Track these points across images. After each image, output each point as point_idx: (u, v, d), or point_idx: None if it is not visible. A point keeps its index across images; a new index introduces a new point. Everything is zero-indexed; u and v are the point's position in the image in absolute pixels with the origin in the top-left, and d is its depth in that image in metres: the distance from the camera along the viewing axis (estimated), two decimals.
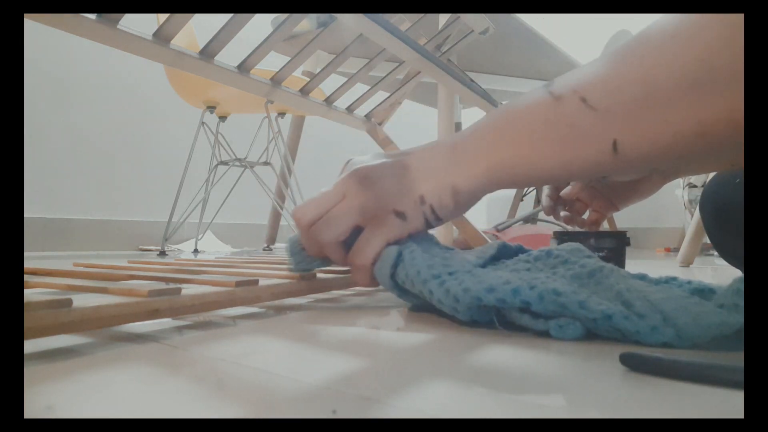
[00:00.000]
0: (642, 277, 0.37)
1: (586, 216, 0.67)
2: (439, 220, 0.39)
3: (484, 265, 0.39)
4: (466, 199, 0.38)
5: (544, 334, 0.32)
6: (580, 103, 0.32)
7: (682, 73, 0.29)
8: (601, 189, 0.64)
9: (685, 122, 0.29)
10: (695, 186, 1.95)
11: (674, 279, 0.36)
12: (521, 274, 0.35)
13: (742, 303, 0.28)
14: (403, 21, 0.75)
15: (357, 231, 0.39)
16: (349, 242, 0.40)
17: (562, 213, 0.66)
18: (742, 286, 0.29)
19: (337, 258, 0.40)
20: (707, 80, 0.28)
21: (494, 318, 0.33)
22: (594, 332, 0.30)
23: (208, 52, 0.49)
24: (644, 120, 0.30)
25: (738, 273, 0.72)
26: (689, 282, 0.35)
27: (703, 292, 0.33)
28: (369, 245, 0.39)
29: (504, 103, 0.38)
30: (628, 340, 0.29)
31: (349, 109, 0.77)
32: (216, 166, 1.57)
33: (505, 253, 0.43)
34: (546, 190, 0.66)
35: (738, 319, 0.27)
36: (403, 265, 0.37)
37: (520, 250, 0.43)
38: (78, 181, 1.74)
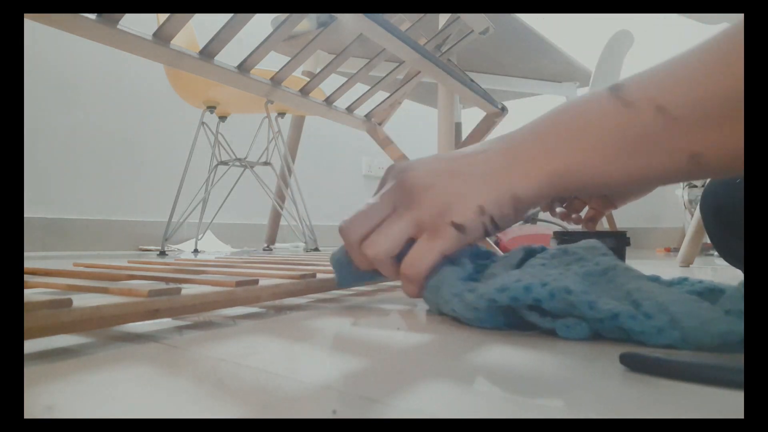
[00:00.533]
0: (655, 279, 0.36)
1: (583, 214, 0.67)
2: (497, 230, 0.37)
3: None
4: (527, 207, 0.36)
5: (545, 334, 0.32)
6: (656, 112, 0.30)
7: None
8: None
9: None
10: (695, 186, 1.95)
11: (685, 279, 0.36)
12: (535, 270, 0.35)
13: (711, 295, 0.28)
14: (403, 21, 0.75)
15: (409, 242, 0.38)
16: (400, 253, 0.38)
17: (558, 209, 0.66)
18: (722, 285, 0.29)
19: (390, 272, 0.39)
20: None
21: (502, 320, 0.33)
22: (599, 333, 0.30)
23: (208, 52, 0.50)
24: (725, 131, 0.28)
25: (739, 273, 0.72)
26: (701, 281, 0.35)
27: (714, 292, 0.33)
28: (424, 258, 0.37)
29: (561, 104, 0.37)
30: (632, 341, 0.29)
31: (349, 109, 0.77)
32: (216, 166, 1.57)
33: (531, 256, 0.42)
34: None
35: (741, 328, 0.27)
36: (437, 283, 0.37)
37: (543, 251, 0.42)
38: (78, 181, 1.74)
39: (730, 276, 0.86)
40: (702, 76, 0.29)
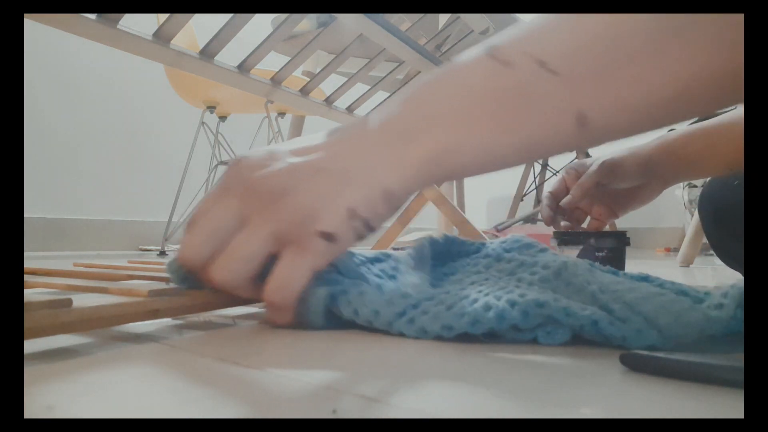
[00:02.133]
0: (614, 272, 0.35)
1: (585, 225, 0.67)
2: (371, 233, 0.31)
3: (433, 281, 0.37)
4: (402, 201, 0.31)
5: None
6: (537, 68, 0.27)
7: (653, 24, 0.25)
8: (600, 196, 0.64)
9: (659, 82, 0.26)
10: (695, 186, 1.95)
11: (647, 277, 0.35)
12: (487, 288, 0.32)
13: (726, 302, 0.28)
14: (403, 21, 0.75)
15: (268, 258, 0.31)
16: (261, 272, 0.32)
17: (563, 223, 0.66)
18: (731, 290, 0.28)
19: (250, 295, 0.32)
20: (684, 30, 0.24)
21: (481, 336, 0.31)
22: (581, 335, 0.30)
23: (208, 52, 0.50)
24: (612, 83, 0.26)
25: (737, 274, 0.72)
26: (672, 283, 0.34)
27: (686, 293, 0.32)
28: (293, 279, 0.30)
29: (429, 73, 0.32)
30: (611, 345, 0.28)
31: (349, 109, 0.77)
32: (216, 166, 1.57)
33: (438, 251, 0.40)
34: (545, 200, 0.66)
35: (720, 315, 0.27)
36: (347, 302, 0.32)
37: (453, 245, 0.41)
38: (78, 181, 1.74)
39: (729, 276, 0.86)
40: (579, 24, 0.27)
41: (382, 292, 0.33)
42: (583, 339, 0.31)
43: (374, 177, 0.30)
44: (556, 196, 0.65)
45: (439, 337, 0.30)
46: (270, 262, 0.31)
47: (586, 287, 0.31)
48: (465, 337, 0.31)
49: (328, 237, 0.30)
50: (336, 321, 0.33)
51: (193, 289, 0.34)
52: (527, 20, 0.30)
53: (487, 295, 0.31)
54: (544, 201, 0.66)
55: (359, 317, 0.32)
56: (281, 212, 0.30)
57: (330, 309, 0.32)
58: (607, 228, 0.66)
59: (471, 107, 0.29)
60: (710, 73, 0.25)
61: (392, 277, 0.38)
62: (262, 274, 0.31)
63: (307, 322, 0.32)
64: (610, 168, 0.60)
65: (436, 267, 0.40)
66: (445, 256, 0.41)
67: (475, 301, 0.30)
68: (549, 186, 0.66)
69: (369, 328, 0.32)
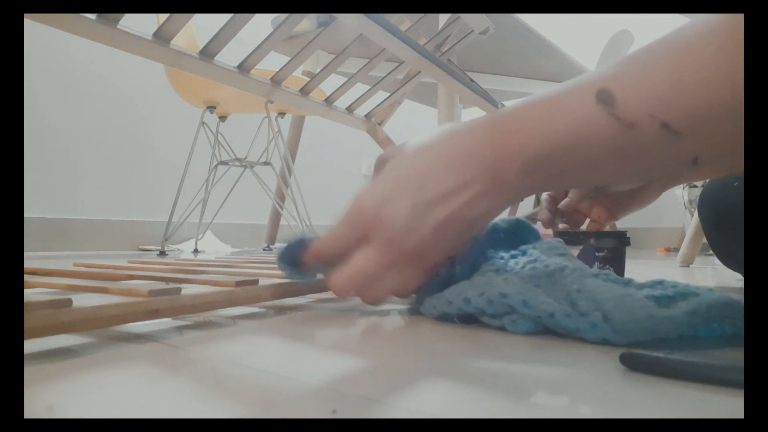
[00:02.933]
0: (627, 283, 0.36)
1: (584, 227, 0.67)
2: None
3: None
4: (515, 196, 0.35)
5: (546, 334, 0.32)
6: (660, 130, 0.28)
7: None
8: (599, 198, 0.64)
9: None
10: (695, 186, 1.95)
11: (660, 282, 0.35)
12: (485, 277, 0.36)
13: (678, 299, 0.31)
14: (403, 21, 0.75)
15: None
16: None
17: (561, 225, 0.66)
18: (698, 289, 0.31)
19: (344, 293, 0.37)
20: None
21: (456, 318, 0.36)
22: (546, 327, 0.32)
23: (208, 52, 0.49)
24: (732, 136, 0.27)
25: (737, 275, 0.72)
26: (674, 285, 0.34)
27: (686, 296, 0.33)
28: (405, 286, 0.37)
29: (519, 104, 0.34)
30: (572, 337, 0.31)
31: (349, 109, 0.77)
32: (216, 166, 1.57)
33: (492, 245, 0.43)
34: (544, 202, 0.66)
35: (665, 314, 0.29)
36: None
37: (509, 234, 0.44)
38: (78, 181, 1.74)
39: (729, 276, 0.86)
40: (703, 86, 0.27)
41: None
42: (579, 339, 0.31)
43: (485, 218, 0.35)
44: (555, 199, 0.65)
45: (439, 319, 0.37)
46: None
47: (568, 286, 0.33)
48: (465, 338, 0.31)
49: (452, 261, 0.38)
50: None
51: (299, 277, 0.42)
52: (639, 59, 0.30)
53: (473, 288, 0.35)
54: (543, 203, 0.66)
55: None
56: (423, 260, 0.35)
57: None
58: (607, 228, 0.66)
59: (589, 166, 0.31)
60: None
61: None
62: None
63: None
64: None
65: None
66: (507, 240, 0.44)
67: (460, 294, 0.35)
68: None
69: (369, 327, 0.32)
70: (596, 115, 0.29)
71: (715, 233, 0.68)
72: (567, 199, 0.63)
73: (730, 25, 0.27)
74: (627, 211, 0.64)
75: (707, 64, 0.27)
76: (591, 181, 0.33)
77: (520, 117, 0.33)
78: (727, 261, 0.69)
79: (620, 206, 0.64)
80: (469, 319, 0.35)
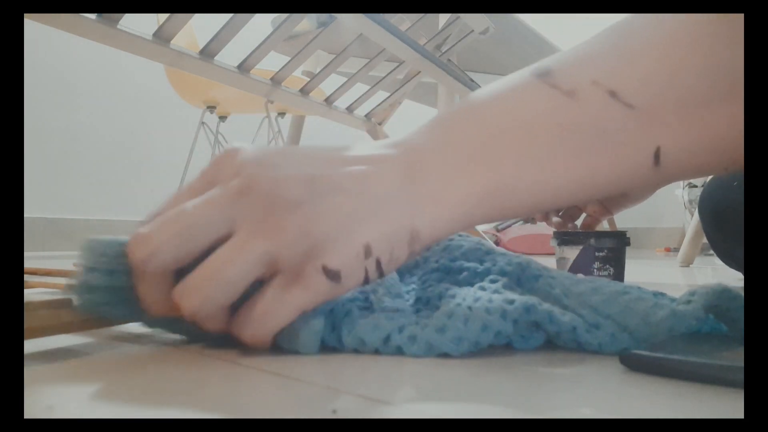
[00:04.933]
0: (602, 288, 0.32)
1: (580, 223, 0.67)
2: (380, 276, 0.26)
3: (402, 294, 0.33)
4: (424, 248, 0.27)
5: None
6: (608, 100, 0.24)
7: (716, 73, 0.24)
8: None
9: (722, 124, 0.24)
10: (695, 186, 1.95)
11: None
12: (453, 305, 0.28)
13: (693, 298, 0.27)
14: (403, 21, 0.75)
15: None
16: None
17: (554, 218, 0.66)
18: (699, 289, 0.28)
19: (217, 327, 0.25)
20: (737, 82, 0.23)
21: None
22: (554, 342, 0.28)
23: (208, 52, 0.50)
24: (700, 120, 0.24)
25: (737, 274, 0.72)
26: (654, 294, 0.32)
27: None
28: (273, 315, 0.24)
29: (468, 99, 0.28)
30: (584, 350, 0.27)
31: (349, 109, 0.77)
32: None
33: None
34: None
35: (687, 309, 0.26)
36: (350, 330, 0.27)
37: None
38: (78, 181, 1.74)
39: (730, 276, 0.86)
40: (659, 50, 0.24)
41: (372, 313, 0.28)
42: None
43: (405, 214, 0.25)
44: None
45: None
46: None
47: (550, 292, 0.30)
48: None
49: (332, 275, 0.24)
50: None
51: (112, 306, 0.25)
52: (583, 43, 0.27)
53: (458, 319, 0.26)
54: None
55: (366, 346, 0.27)
56: (284, 232, 0.24)
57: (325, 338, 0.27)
58: (606, 227, 0.66)
59: (528, 143, 0.26)
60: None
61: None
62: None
63: (294, 349, 0.26)
64: None
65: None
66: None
67: (477, 324, 0.26)
68: None
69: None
70: (533, 89, 0.26)
71: (716, 233, 0.68)
72: None
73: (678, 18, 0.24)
74: (621, 206, 0.65)
75: (665, 28, 0.24)
76: (538, 191, 0.26)
77: (459, 116, 0.28)
78: (728, 261, 0.69)
79: (615, 202, 0.64)
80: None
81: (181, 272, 0.25)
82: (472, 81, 0.77)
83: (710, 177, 0.71)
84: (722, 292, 0.27)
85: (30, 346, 0.27)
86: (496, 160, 0.26)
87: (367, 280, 0.26)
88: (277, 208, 0.24)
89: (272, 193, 0.24)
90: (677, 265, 1.23)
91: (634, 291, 0.29)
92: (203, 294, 0.24)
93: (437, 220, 0.26)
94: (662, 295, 0.30)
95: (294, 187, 0.24)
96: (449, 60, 0.83)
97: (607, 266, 0.60)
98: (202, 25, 1.41)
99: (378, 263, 0.25)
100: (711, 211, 0.68)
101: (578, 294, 0.29)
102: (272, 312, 0.24)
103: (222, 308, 0.25)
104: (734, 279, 0.80)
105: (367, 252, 0.25)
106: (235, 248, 0.24)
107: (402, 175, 0.26)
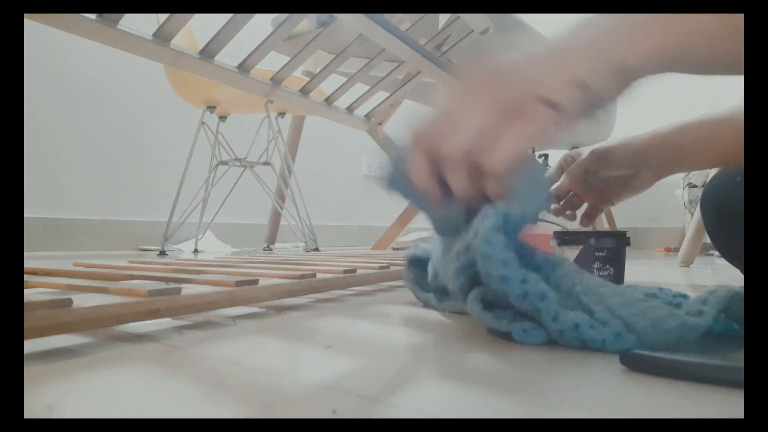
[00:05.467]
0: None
1: (580, 219, 0.67)
2: (598, 106, 0.30)
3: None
4: (632, 80, 0.31)
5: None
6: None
7: None
8: (594, 184, 0.65)
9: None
10: (695, 186, 1.95)
11: (660, 290, 0.33)
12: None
13: (705, 308, 0.27)
14: (403, 21, 0.75)
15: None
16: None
17: (553, 206, 0.66)
18: (710, 296, 0.28)
19: (458, 177, 0.31)
20: None
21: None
22: (556, 341, 0.29)
23: (208, 52, 0.50)
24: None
25: (739, 273, 0.72)
26: (674, 296, 0.32)
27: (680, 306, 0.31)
28: (505, 141, 0.29)
29: None
30: (588, 348, 0.28)
31: (349, 109, 0.77)
32: (216, 166, 1.57)
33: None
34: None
35: (699, 322, 0.27)
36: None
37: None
38: (78, 181, 1.74)
39: (730, 276, 0.86)
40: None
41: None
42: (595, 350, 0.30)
43: (608, 48, 0.30)
44: (551, 183, 0.66)
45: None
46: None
47: (573, 288, 0.31)
48: (465, 338, 0.31)
49: (549, 104, 0.29)
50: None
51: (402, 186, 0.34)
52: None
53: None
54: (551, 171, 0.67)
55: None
56: (502, 79, 0.30)
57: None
58: (606, 227, 0.66)
59: (696, 17, 0.29)
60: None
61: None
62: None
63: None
64: (600, 156, 0.61)
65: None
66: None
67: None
68: (547, 173, 0.67)
69: (369, 327, 0.32)
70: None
71: (719, 230, 0.68)
72: (557, 183, 0.64)
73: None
74: (621, 197, 0.65)
75: None
76: (716, 50, 0.30)
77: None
78: (731, 258, 0.69)
79: (615, 192, 0.65)
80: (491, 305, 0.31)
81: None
82: None
83: (713, 174, 0.71)
84: (733, 296, 0.27)
85: (30, 346, 0.27)
86: (682, 19, 0.29)
87: (585, 112, 0.30)
88: (500, 71, 0.31)
89: (496, 66, 0.32)
90: (677, 265, 1.23)
91: (654, 300, 0.29)
92: (446, 135, 0.30)
93: (644, 53, 0.30)
94: (684, 297, 0.31)
95: (506, 62, 0.32)
96: (449, 60, 0.83)
97: (607, 266, 0.60)
98: (202, 25, 1.41)
99: (593, 93, 0.30)
100: (714, 208, 0.68)
101: (598, 294, 0.30)
102: (503, 138, 0.29)
103: (461, 152, 0.30)
104: (734, 279, 0.80)
105: (579, 83, 0.29)
106: (467, 104, 0.31)
107: (604, 25, 0.31)
